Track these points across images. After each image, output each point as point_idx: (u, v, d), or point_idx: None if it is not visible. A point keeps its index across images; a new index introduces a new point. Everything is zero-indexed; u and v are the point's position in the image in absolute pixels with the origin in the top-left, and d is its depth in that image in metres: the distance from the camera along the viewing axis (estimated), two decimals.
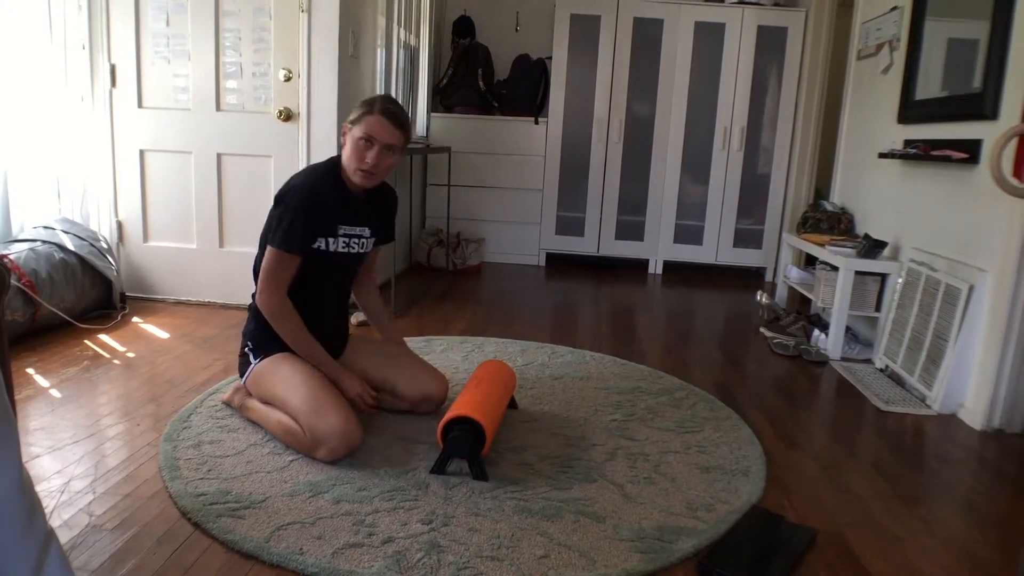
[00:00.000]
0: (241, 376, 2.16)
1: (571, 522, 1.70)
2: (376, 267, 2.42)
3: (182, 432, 2.08)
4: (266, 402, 2.08)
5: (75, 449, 1.96)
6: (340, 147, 2.11)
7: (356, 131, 2.02)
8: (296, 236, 2.00)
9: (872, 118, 3.68)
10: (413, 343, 3.00)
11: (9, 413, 0.89)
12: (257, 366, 2.08)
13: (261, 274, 2.04)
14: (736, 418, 2.43)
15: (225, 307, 3.53)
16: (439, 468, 1.91)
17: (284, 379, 2.01)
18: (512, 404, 2.40)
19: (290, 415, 1.96)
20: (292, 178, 2.11)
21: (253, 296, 2.12)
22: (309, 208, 2.01)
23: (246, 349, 2.14)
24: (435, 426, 1.96)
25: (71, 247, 3.11)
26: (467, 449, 1.87)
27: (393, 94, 4.32)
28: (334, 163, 2.11)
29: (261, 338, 2.10)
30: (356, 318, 3.34)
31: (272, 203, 2.07)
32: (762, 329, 3.63)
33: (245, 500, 1.72)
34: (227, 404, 2.28)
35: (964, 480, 2.11)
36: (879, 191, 3.55)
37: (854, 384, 2.90)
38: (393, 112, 2.03)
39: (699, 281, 5.00)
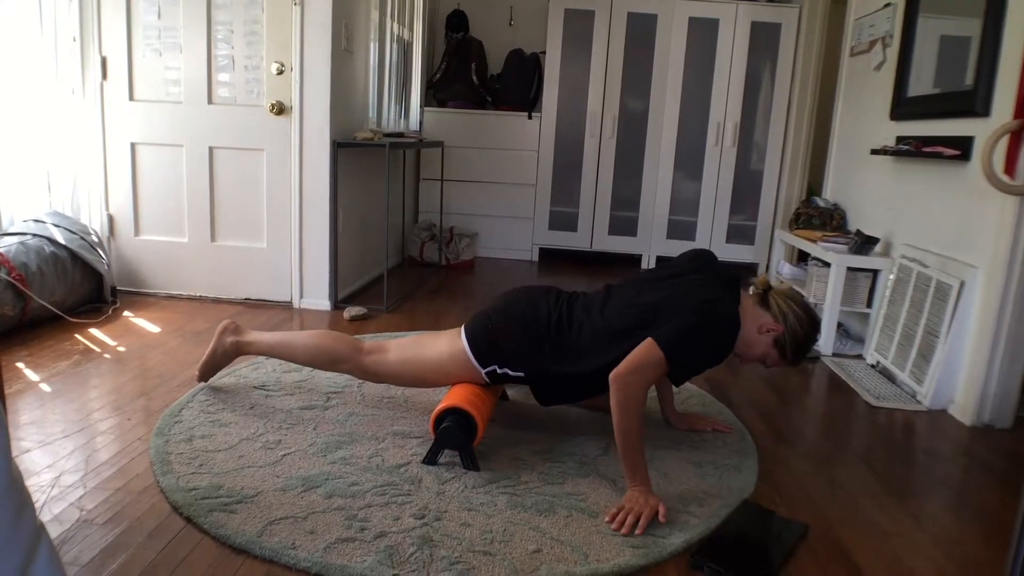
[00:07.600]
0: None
1: (564, 517, 1.70)
2: None
3: (173, 427, 2.07)
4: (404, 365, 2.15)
5: (66, 443, 1.95)
6: (759, 328, 1.96)
7: (773, 355, 1.99)
8: (693, 368, 1.91)
9: (865, 115, 3.69)
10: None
11: None
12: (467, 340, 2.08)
13: (642, 364, 1.79)
14: (728, 413, 2.44)
15: (216, 301, 3.52)
16: (431, 459, 1.92)
17: (430, 349, 2.14)
18: (503, 396, 2.41)
19: (402, 349, 2.16)
20: (721, 305, 1.90)
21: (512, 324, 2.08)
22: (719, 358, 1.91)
23: (502, 369, 2.03)
24: (428, 420, 1.96)
25: (62, 240, 3.09)
26: (458, 440, 1.88)
27: (386, 88, 4.31)
28: (737, 325, 1.94)
29: (495, 353, 2.03)
30: (349, 312, 3.34)
31: (691, 308, 1.85)
32: None
33: (237, 495, 1.71)
34: (216, 352, 2.30)
35: (954, 476, 2.12)
36: (871, 187, 3.56)
37: (845, 380, 2.92)
38: None
39: None
